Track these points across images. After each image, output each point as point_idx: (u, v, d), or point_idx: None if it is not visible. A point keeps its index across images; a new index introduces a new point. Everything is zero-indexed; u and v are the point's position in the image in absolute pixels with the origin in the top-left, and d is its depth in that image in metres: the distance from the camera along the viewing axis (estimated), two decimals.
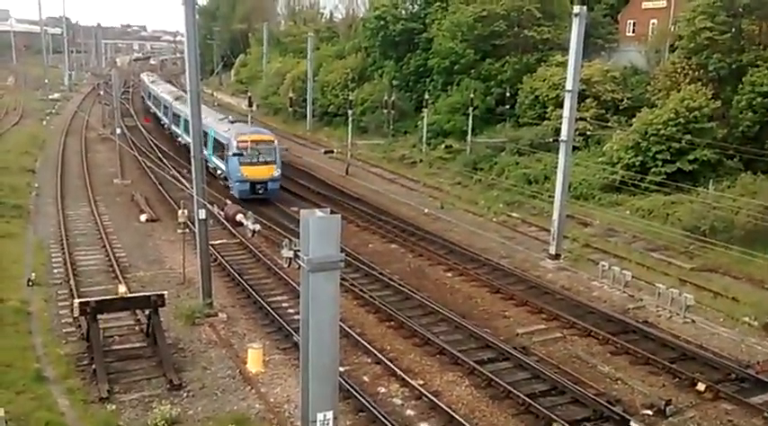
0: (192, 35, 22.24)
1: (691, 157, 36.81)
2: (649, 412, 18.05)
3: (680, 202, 34.47)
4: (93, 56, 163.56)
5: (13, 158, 50.01)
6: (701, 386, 19.19)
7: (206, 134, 39.65)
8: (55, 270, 27.55)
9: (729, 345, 22.31)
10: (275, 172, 39.34)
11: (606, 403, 17.99)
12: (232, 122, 43.63)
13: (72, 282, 25.71)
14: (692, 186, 34.92)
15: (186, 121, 38.70)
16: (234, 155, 38.57)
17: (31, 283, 25.48)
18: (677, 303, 24.45)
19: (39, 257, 29.20)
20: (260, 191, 38.69)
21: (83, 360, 19.74)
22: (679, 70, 41.13)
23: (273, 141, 40.68)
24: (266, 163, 39.19)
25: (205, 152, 32.78)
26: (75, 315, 20.62)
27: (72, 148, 56.65)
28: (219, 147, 41.28)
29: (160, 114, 63.96)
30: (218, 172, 42.14)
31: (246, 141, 38.85)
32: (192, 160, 23.23)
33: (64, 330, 21.90)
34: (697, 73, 40.22)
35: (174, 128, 56.00)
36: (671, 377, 20.01)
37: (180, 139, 51.88)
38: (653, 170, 37.30)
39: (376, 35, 62.18)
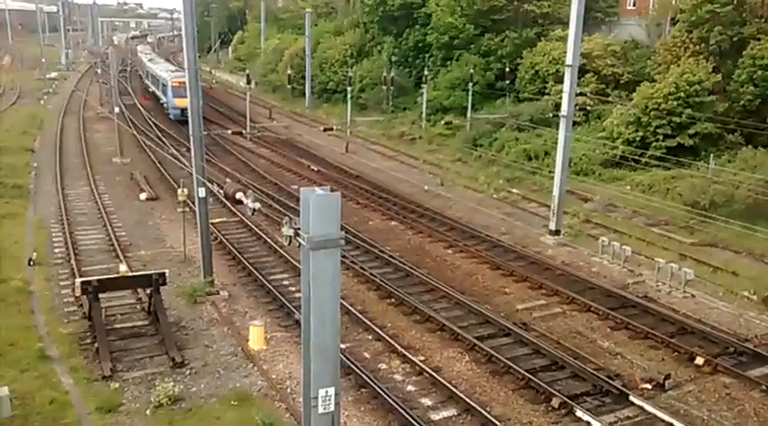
0: (190, 12, 22.06)
1: (691, 132, 36.68)
2: (648, 387, 18.19)
3: (680, 177, 34.42)
4: (89, 34, 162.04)
5: (12, 138, 49.89)
6: (699, 360, 19.32)
7: (157, 80, 66.39)
8: (56, 250, 27.62)
9: (728, 319, 22.43)
10: None
11: (606, 378, 18.13)
12: (172, 71, 64.11)
13: (73, 261, 25.79)
14: (692, 161, 34.85)
15: (161, 85, 63.20)
16: (169, 89, 58.31)
17: (32, 263, 25.56)
18: (677, 277, 24.53)
19: (39, 237, 29.25)
20: (186, 116, 45.10)
21: (85, 339, 19.87)
22: (680, 44, 40.79)
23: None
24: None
25: (155, 90, 66.28)
26: (77, 295, 20.69)
27: (70, 128, 56.49)
28: (163, 87, 61.72)
29: (148, 82, 76.49)
30: (161, 101, 63.47)
31: (177, 82, 55.51)
32: (192, 138, 23.16)
33: (66, 309, 22.01)
34: (698, 46, 39.89)
35: (152, 88, 72.08)
36: (670, 352, 20.14)
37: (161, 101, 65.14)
38: (653, 144, 37.19)
39: (374, 10, 61.56)
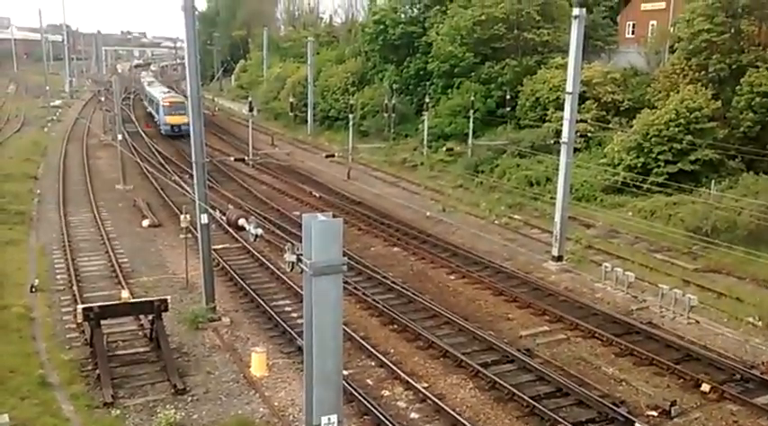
0: (192, 41, 22.28)
1: (692, 158, 36.79)
2: (654, 414, 18.03)
3: (682, 203, 34.43)
4: (93, 62, 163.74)
5: (16, 165, 50.15)
6: (705, 387, 19.16)
7: (152, 100, 75.26)
8: (58, 276, 27.59)
9: (734, 345, 22.28)
10: (185, 119, 56.27)
11: (611, 405, 17.96)
12: (165, 93, 73.88)
13: (75, 288, 25.74)
14: (694, 186, 34.88)
15: (155, 104, 71.75)
16: (161, 109, 67.17)
17: (34, 289, 25.53)
18: (681, 304, 24.42)
19: (42, 263, 29.24)
20: (176, 131, 63.73)
21: (87, 366, 19.76)
22: (679, 71, 41.13)
23: (184, 102, 60.12)
24: (180, 115, 62.17)
25: (152, 110, 74.83)
26: (79, 321, 20.65)
27: (74, 155, 56.78)
28: (156, 106, 70.21)
29: (146, 103, 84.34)
30: (155, 119, 70.91)
31: (168, 102, 67.16)
32: (194, 165, 23.24)
33: (67, 335, 21.92)
34: (697, 74, 40.23)
35: (149, 109, 79.22)
36: (675, 378, 19.99)
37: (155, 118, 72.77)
38: (655, 171, 37.28)
39: (376, 39, 62.26)
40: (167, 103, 67.04)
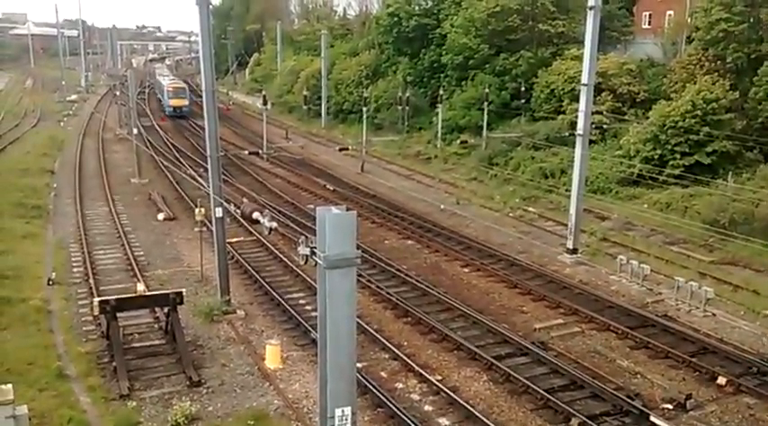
0: (207, 35, 22.33)
1: (709, 149, 36.44)
2: (669, 407, 17.92)
3: (699, 195, 34.16)
4: (108, 57, 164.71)
5: (33, 160, 50.63)
6: (721, 380, 19.02)
7: (160, 86, 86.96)
8: (74, 269, 27.85)
9: (750, 338, 22.10)
10: (185, 102, 77.55)
11: (626, 398, 17.88)
12: (170, 79, 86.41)
13: (91, 281, 25.98)
14: (710, 179, 34.58)
15: (162, 90, 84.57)
16: (165, 92, 79.34)
17: (51, 282, 25.78)
18: (697, 296, 24.24)
19: (58, 256, 29.53)
20: (178, 112, 76.32)
21: (103, 358, 19.95)
22: (696, 62, 40.72)
23: (185, 88, 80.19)
24: (181, 98, 77.41)
25: (159, 95, 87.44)
26: (95, 314, 20.80)
27: (90, 149, 57.22)
28: (162, 91, 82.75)
29: (156, 90, 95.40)
30: (162, 102, 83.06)
31: (171, 87, 78.80)
32: (209, 159, 23.32)
33: (84, 328, 22.14)
34: (714, 64, 39.80)
35: (158, 94, 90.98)
36: (691, 371, 19.85)
37: (162, 102, 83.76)
38: (671, 163, 36.96)
39: (389, 32, 62.08)
40: (171, 89, 78.66)
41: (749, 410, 17.87)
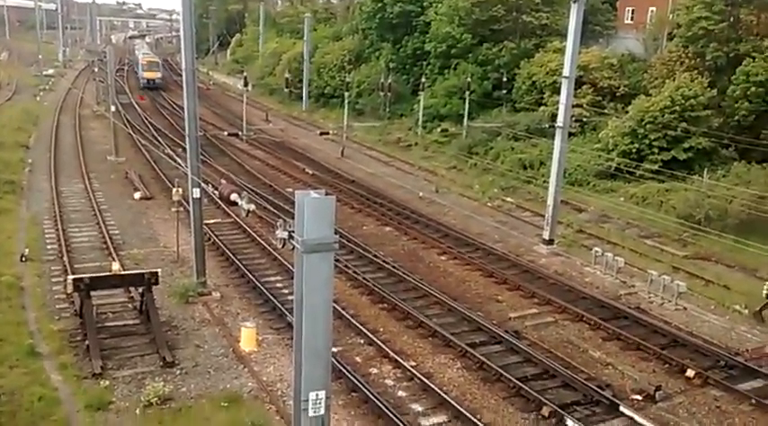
0: (188, 14, 22.04)
1: (686, 145, 36.91)
2: (639, 398, 18.21)
3: (674, 190, 34.61)
4: (87, 32, 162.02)
5: (7, 133, 49.69)
6: (690, 373, 19.36)
7: (136, 60, 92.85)
8: (48, 247, 27.50)
9: (720, 332, 22.51)
10: (158, 75, 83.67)
11: (596, 388, 18.15)
12: (145, 53, 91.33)
13: (65, 258, 25.68)
14: (686, 174, 35.05)
15: (136, 63, 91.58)
16: (140, 66, 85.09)
17: (24, 259, 25.46)
18: (669, 290, 24.62)
19: (32, 233, 29.13)
20: (151, 84, 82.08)
21: (76, 336, 19.77)
22: (676, 58, 41.16)
23: (158, 62, 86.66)
24: (154, 71, 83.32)
25: (135, 68, 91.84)
26: (69, 292, 20.58)
27: (66, 125, 56.36)
28: (136, 64, 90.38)
29: (134, 64, 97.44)
30: (137, 74, 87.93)
31: (145, 60, 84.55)
32: (187, 139, 23.10)
33: (57, 306, 21.90)
34: (694, 61, 40.26)
35: (135, 68, 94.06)
36: (661, 363, 20.17)
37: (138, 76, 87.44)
38: (649, 158, 37.36)
39: (373, 17, 61.80)
40: (145, 62, 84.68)
41: (716, 402, 18.22)
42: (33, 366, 18.07)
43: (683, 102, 36.93)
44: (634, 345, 21.13)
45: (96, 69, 75.66)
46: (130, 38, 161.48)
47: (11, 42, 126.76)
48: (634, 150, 37.96)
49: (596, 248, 28.49)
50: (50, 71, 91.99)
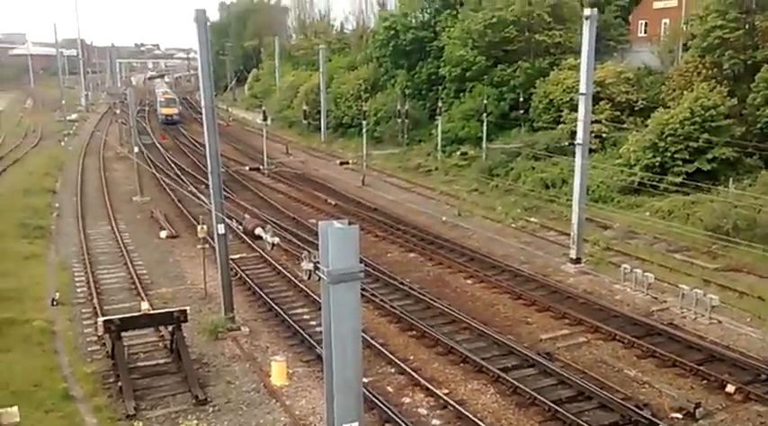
0: (205, 52, 22.43)
1: (709, 156, 36.50)
2: (679, 416, 17.83)
3: (700, 202, 34.15)
4: (108, 75, 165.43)
5: (34, 180, 50.72)
6: (730, 388, 18.93)
7: (155, 97, 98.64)
8: (78, 289, 27.82)
9: (757, 345, 22.00)
10: (175, 111, 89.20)
11: (634, 408, 17.79)
12: (163, 91, 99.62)
13: (95, 301, 25.93)
14: (711, 185, 34.59)
15: (155, 100, 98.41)
16: (158, 103, 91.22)
17: (55, 303, 25.75)
18: (702, 304, 24.17)
19: (62, 277, 29.50)
20: (169, 120, 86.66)
21: (109, 378, 19.89)
22: (693, 69, 40.89)
23: (175, 98, 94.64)
24: (171, 107, 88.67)
25: (155, 105, 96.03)
26: (100, 334, 20.80)
27: (91, 168, 57.33)
28: (155, 101, 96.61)
29: (154, 101, 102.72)
30: (156, 111, 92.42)
31: (163, 97, 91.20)
32: (210, 176, 23.37)
33: (89, 348, 22.08)
34: (711, 71, 39.97)
35: (154, 102, 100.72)
36: (699, 380, 19.76)
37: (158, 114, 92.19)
38: (672, 170, 36.99)
39: (387, 45, 62.39)
40: (163, 99, 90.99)
41: (759, 418, 17.76)
42: (68, 409, 18.18)
43: (702, 112, 36.62)
44: (670, 362, 20.73)
45: (118, 111, 77.11)
46: (150, 78, 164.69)
47: (35, 89, 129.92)
48: (656, 164, 37.62)
49: (625, 265, 28.13)
50: (74, 116, 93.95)
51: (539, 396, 18.50)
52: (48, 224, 38.51)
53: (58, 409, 18.14)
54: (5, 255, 31.63)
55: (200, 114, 27.23)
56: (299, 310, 25.46)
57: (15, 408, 13.99)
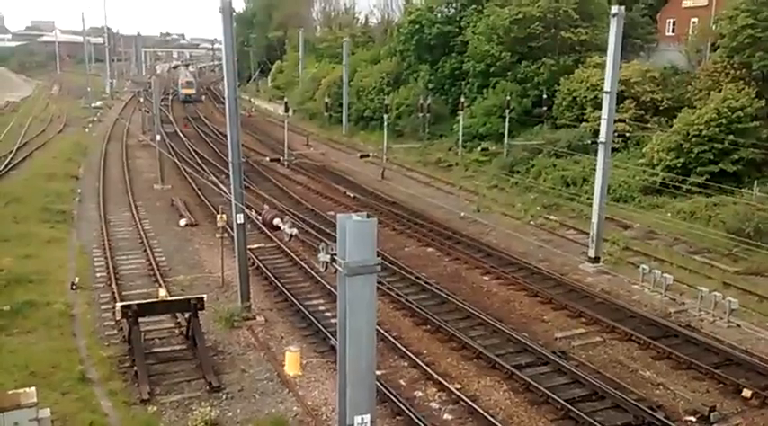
0: (230, 42, 22.54)
1: (734, 158, 36.02)
2: (693, 419, 17.67)
3: (723, 204, 33.72)
4: (133, 64, 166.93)
5: (58, 165, 51.33)
6: (746, 393, 18.71)
7: (176, 80, 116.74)
8: (97, 274, 28.14)
9: None
10: (192, 91, 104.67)
11: (648, 409, 17.66)
12: (185, 75, 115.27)
13: (114, 286, 26.22)
14: (735, 187, 34.13)
15: (177, 82, 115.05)
16: (180, 85, 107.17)
17: (74, 287, 26.08)
18: (721, 307, 23.89)
19: (82, 261, 29.86)
20: (188, 98, 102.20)
21: (125, 362, 20.12)
22: (720, 69, 40.31)
23: (193, 82, 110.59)
24: (190, 88, 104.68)
25: (176, 87, 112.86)
26: (118, 318, 21.05)
27: (113, 155, 57.90)
28: (176, 83, 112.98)
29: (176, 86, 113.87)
30: (177, 92, 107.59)
31: (184, 81, 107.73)
32: (231, 165, 23.51)
33: (106, 332, 22.34)
34: (740, 72, 39.37)
35: (176, 87, 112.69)
36: (715, 383, 19.56)
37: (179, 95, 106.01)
38: (695, 171, 36.54)
39: (411, 39, 62.22)
40: (183, 82, 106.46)
41: None
42: (84, 392, 18.42)
43: (729, 114, 36.12)
44: (686, 364, 20.55)
45: (142, 100, 77.72)
46: (174, 68, 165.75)
47: (61, 76, 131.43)
48: (680, 164, 37.18)
49: (643, 265, 27.86)
50: (98, 103, 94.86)
51: (552, 395, 18.43)
52: (70, 209, 38.96)
53: (75, 391, 18.38)
54: (28, 239, 32.08)
55: (223, 104, 27.36)
56: (315, 301, 25.55)
57: (33, 389, 14.19)
